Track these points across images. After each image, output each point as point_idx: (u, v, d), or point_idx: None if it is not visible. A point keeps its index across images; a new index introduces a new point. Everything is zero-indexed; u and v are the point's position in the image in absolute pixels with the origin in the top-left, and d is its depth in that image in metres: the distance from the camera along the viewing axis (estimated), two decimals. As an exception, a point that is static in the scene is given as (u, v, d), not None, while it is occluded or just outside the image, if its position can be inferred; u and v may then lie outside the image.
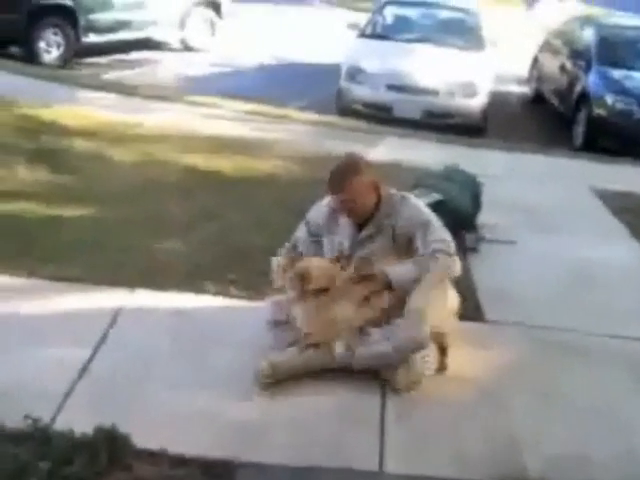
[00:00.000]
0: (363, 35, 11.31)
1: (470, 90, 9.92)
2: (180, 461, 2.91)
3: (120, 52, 13.32)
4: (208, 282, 4.41)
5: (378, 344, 3.52)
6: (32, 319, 3.89)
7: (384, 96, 9.93)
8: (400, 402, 3.50)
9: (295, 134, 8.61)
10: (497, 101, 11.19)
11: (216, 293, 4.34)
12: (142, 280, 4.37)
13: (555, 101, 11.75)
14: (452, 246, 3.58)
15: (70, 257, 4.57)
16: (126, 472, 2.66)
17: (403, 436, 3.29)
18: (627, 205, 6.87)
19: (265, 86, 11.82)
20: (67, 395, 3.30)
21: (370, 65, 10.11)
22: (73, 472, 2.56)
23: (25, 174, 6.02)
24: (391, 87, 9.93)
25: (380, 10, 11.92)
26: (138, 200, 5.68)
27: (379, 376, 3.58)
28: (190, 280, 4.42)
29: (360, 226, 3.68)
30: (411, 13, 12.02)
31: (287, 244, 3.87)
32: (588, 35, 11.23)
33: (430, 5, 12.08)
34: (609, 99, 9.78)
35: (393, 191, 3.73)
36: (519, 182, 7.50)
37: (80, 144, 7.01)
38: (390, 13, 11.96)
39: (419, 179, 5.67)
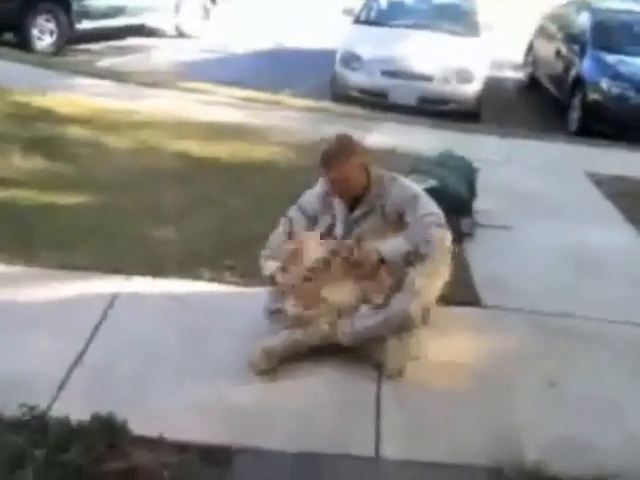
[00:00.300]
0: (358, 21, 11.27)
1: (465, 76, 9.89)
2: (178, 448, 2.91)
3: (114, 39, 13.26)
4: (205, 269, 4.41)
5: (367, 317, 3.56)
6: (28, 307, 3.89)
7: (379, 82, 9.90)
8: (396, 388, 3.50)
9: (290, 120, 8.59)
10: (492, 86, 11.18)
11: (213, 280, 4.34)
12: (138, 267, 4.37)
13: (550, 86, 11.73)
14: (442, 218, 3.61)
15: (66, 245, 4.56)
16: (123, 459, 2.66)
17: (399, 422, 3.29)
18: (622, 190, 6.88)
19: (260, 72, 11.77)
20: (63, 383, 3.30)
21: (365, 51, 10.07)
22: (70, 459, 2.56)
23: (20, 162, 6.00)
24: (386, 73, 9.90)
25: (375, -5, 11.87)
26: (134, 187, 5.67)
27: (371, 360, 3.59)
28: (187, 267, 4.42)
29: (352, 207, 3.71)
30: (406, -2, 12.00)
31: (278, 231, 3.85)
32: (583, 20, 11.20)
33: (425, -10, 12.03)
34: (604, 84, 9.77)
35: (383, 172, 3.75)
36: (514, 167, 7.51)
37: (75, 131, 6.98)
38: (385, -1, 11.93)
39: (414, 165, 5.66)
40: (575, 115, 10.04)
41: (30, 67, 9.86)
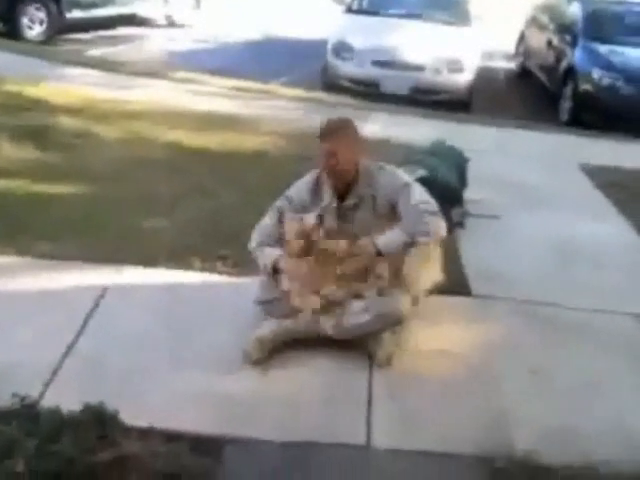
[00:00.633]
0: (349, 10, 11.25)
1: (456, 66, 9.89)
2: (169, 437, 2.92)
3: (104, 28, 13.21)
4: (196, 259, 4.41)
5: (358, 315, 3.57)
6: (19, 297, 3.88)
7: (370, 72, 9.89)
8: (388, 377, 3.51)
9: (282, 110, 8.58)
10: (484, 76, 11.19)
11: (204, 270, 4.34)
12: (130, 257, 4.37)
13: (542, 76, 11.74)
14: (435, 206, 3.60)
15: (57, 235, 4.55)
16: (114, 449, 2.66)
17: (391, 411, 3.30)
18: (613, 180, 6.90)
19: (251, 62, 11.76)
20: (54, 373, 3.30)
21: (356, 41, 10.06)
22: (61, 449, 2.56)
23: (11, 151, 5.98)
24: (377, 63, 9.89)
25: (367, -15, 11.83)
26: (125, 177, 5.66)
27: (365, 350, 3.60)
28: (178, 257, 4.42)
29: (342, 198, 3.69)
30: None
31: (265, 222, 3.81)
32: (575, 10, 11.19)
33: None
34: (595, 74, 9.77)
35: (369, 162, 3.73)
36: (505, 157, 7.52)
37: (66, 121, 6.95)
38: (376, -12, 11.89)
39: (406, 155, 5.66)
40: (566, 105, 10.05)
41: (20, 56, 9.82)
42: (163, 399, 3.21)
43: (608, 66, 9.85)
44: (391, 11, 11.03)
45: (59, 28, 12.03)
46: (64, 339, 3.54)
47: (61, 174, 5.64)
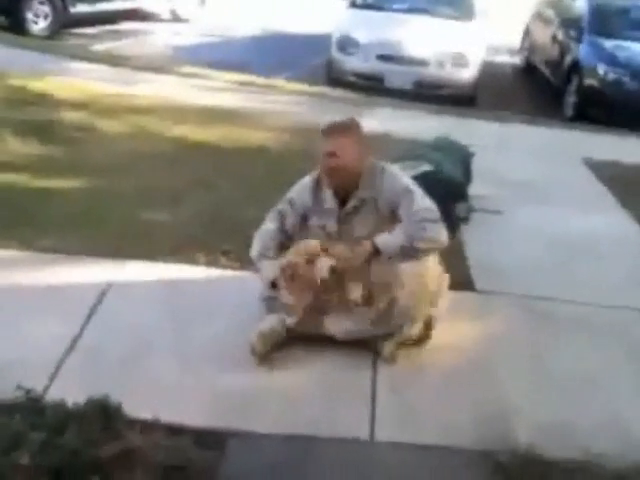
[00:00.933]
0: (354, 5, 11.21)
1: (461, 61, 9.88)
2: (172, 431, 2.93)
3: (109, 23, 13.21)
4: (200, 253, 4.42)
5: (362, 321, 3.58)
6: (23, 291, 3.89)
7: (375, 66, 9.88)
8: (391, 372, 3.52)
9: (286, 105, 8.58)
10: (488, 71, 11.16)
11: (208, 264, 4.35)
12: (133, 251, 4.37)
13: (546, 71, 11.71)
14: (437, 213, 3.54)
15: (61, 229, 4.56)
16: (118, 441, 2.67)
17: (394, 405, 3.31)
18: (617, 175, 6.89)
19: (255, 57, 11.75)
20: (59, 367, 3.31)
21: (361, 35, 10.05)
22: (66, 442, 2.57)
23: (15, 146, 6.00)
24: (382, 57, 9.88)
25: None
26: (129, 171, 5.66)
27: (369, 345, 3.61)
28: (181, 251, 4.43)
29: (343, 201, 3.64)
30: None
31: (266, 227, 3.74)
32: (580, 4, 11.16)
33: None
34: (600, 69, 9.75)
35: (374, 162, 3.67)
36: (510, 152, 7.52)
37: (70, 116, 6.97)
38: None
39: (410, 149, 5.66)
40: (571, 100, 10.03)
41: (25, 51, 9.82)
42: (167, 392, 3.22)
43: (613, 61, 9.82)
44: (395, 5, 10.99)
45: (64, 23, 12.04)
46: (68, 333, 3.55)
47: (65, 168, 5.65)
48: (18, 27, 11.31)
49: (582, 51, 10.18)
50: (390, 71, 9.83)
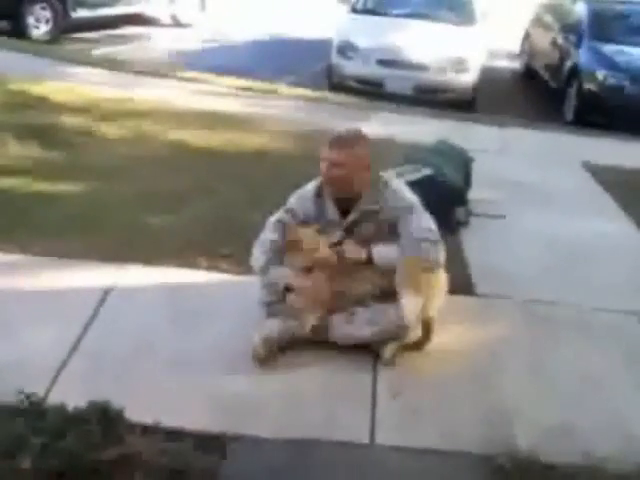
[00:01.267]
0: (354, 10, 11.25)
1: (461, 66, 9.90)
2: (173, 435, 2.93)
3: (110, 28, 13.23)
4: (200, 257, 4.42)
5: (362, 326, 3.58)
6: (24, 295, 3.90)
7: (375, 71, 9.90)
8: (392, 376, 3.52)
9: (286, 109, 8.59)
10: (488, 76, 11.18)
11: (209, 268, 4.35)
12: (134, 255, 4.38)
13: (546, 76, 11.74)
14: (437, 234, 3.55)
15: (62, 233, 4.57)
16: (119, 446, 2.67)
17: (394, 409, 3.31)
18: (617, 179, 6.90)
19: (256, 61, 11.77)
20: (60, 371, 3.31)
21: (361, 40, 10.07)
22: (67, 446, 2.57)
23: (15, 150, 6.00)
24: (382, 62, 9.90)
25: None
26: (130, 176, 5.67)
27: (369, 348, 3.61)
28: (182, 255, 4.43)
29: (344, 213, 3.64)
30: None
31: (266, 237, 3.71)
32: (579, 9, 11.19)
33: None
34: (600, 74, 9.76)
35: (378, 175, 3.66)
36: (510, 157, 7.54)
37: (71, 120, 6.98)
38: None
39: (409, 154, 5.67)
40: (571, 105, 10.05)
41: (26, 55, 9.85)
42: (167, 396, 3.22)
43: (613, 66, 9.84)
44: (396, 11, 11.03)
45: (64, 27, 12.07)
46: (69, 337, 3.55)
47: (65, 172, 5.66)
48: (19, 32, 11.34)
49: (581, 56, 10.20)
50: (390, 76, 9.85)
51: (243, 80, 9.76)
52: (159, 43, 13.07)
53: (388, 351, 3.59)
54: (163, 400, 3.19)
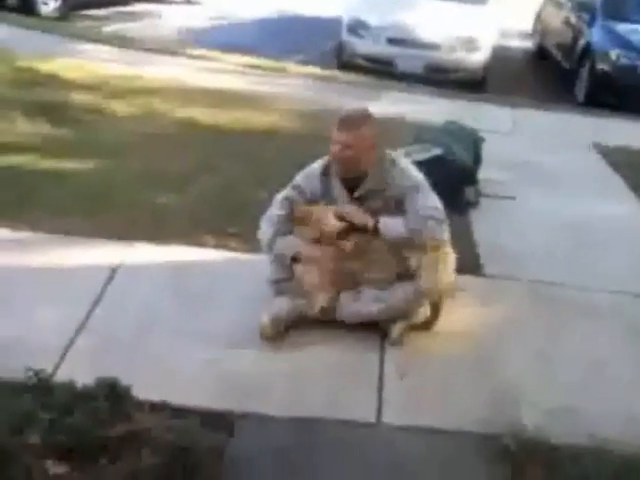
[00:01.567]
0: (365, -12, 11.17)
1: (472, 45, 9.83)
2: (180, 412, 2.94)
3: (120, 4, 13.19)
4: (208, 235, 4.42)
5: (370, 303, 3.59)
6: (32, 272, 3.91)
7: (386, 50, 9.85)
8: (399, 356, 3.52)
9: (295, 88, 8.56)
10: (500, 56, 11.11)
11: (216, 246, 4.35)
12: (142, 233, 4.38)
13: (558, 56, 11.64)
14: (443, 214, 3.54)
15: (70, 211, 4.57)
16: (127, 423, 2.69)
17: (401, 389, 3.32)
18: (629, 161, 6.87)
19: (265, 39, 11.72)
20: (68, 348, 3.32)
21: (372, 18, 10.01)
22: (75, 423, 2.59)
23: (24, 127, 6.00)
24: (393, 41, 9.85)
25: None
26: (138, 153, 5.67)
27: (377, 328, 3.62)
28: (190, 233, 4.43)
29: (351, 190, 3.63)
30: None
31: (273, 212, 3.73)
32: (593, -13, 11.08)
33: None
34: (613, 54, 9.66)
35: (385, 153, 3.65)
36: (520, 137, 7.50)
37: (80, 97, 6.97)
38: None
39: (419, 133, 5.65)
40: (582, 85, 9.97)
41: (35, 32, 9.83)
42: (175, 374, 3.23)
43: (626, 45, 9.73)
44: (407, -12, 10.94)
45: (74, 4, 12.03)
46: (77, 315, 3.56)
47: (73, 150, 5.66)
48: (28, 9, 11.31)
49: (594, 35, 10.09)
50: (401, 55, 9.79)
51: (252, 58, 9.73)
52: (169, 20, 13.03)
53: (396, 330, 3.59)
54: (170, 378, 3.20)
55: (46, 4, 11.57)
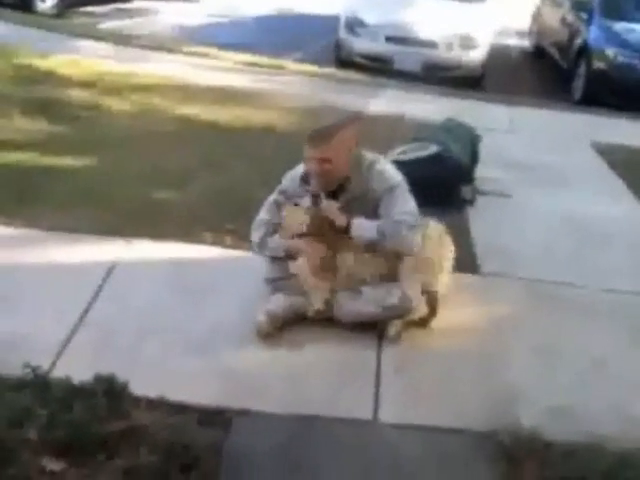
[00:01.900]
0: (363, -14, 11.17)
1: (469, 43, 9.85)
2: (177, 409, 2.94)
3: (118, 1, 13.17)
4: (206, 233, 4.42)
5: (367, 303, 3.58)
6: (30, 269, 3.91)
7: (383, 48, 9.85)
8: (396, 353, 3.53)
9: (294, 85, 8.57)
10: (497, 54, 11.11)
11: (214, 243, 4.35)
12: (140, 230, 4.38)
13: (555, 54, 11.65)
14: (416, 219, 3.53)
15: (67, 207, 4.57)
16: (124, 419, 2.69)
17: (398, 387, 3.32)
18: (626, 159, 6.88)
19: (263, 37, 11.72)
20: (65, 344, 3.32)
21: (369, 16, 10.02)
22: (72, 418, 2.59)
23: (22, 124, 6.00)
24: (390, 39, 9.85)
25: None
26: (136, 150, 5.67)
27: (374, 326, 3.62)
28: (188, 230, 4.43)
29: (333, 195, 3.60)
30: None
31: (261, 217, 3.75)
32: (590, -14, 11.09)
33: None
34: (610, 52, 9.68)
35: (362, 155, 3.63)
36: (518, 136, 7.51)
37: (77, 94, 6.97)
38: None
39: (417, 131, 5.66)
40: (579, 84, 9.97)
41: (32, 29, 9.81)
42: (172, 371, 3.23)
43: (623, 44, 9.75)
44: (404, -13, 10.94)
45: (71, 1, 12.01)
46: (75, 311, 3.56)
47: (72, 146, 5.65)
48: (26, 5, 11.30)
49: (591, 34, 10.10)
50: (399, 53, 9.80)
51: (250, 55, 9.72)
52: (166, 17, 13.02)
53: (393, 328, 3.60)
54: (168, 374, 3.20)
55: (43, 1, 11.56)
